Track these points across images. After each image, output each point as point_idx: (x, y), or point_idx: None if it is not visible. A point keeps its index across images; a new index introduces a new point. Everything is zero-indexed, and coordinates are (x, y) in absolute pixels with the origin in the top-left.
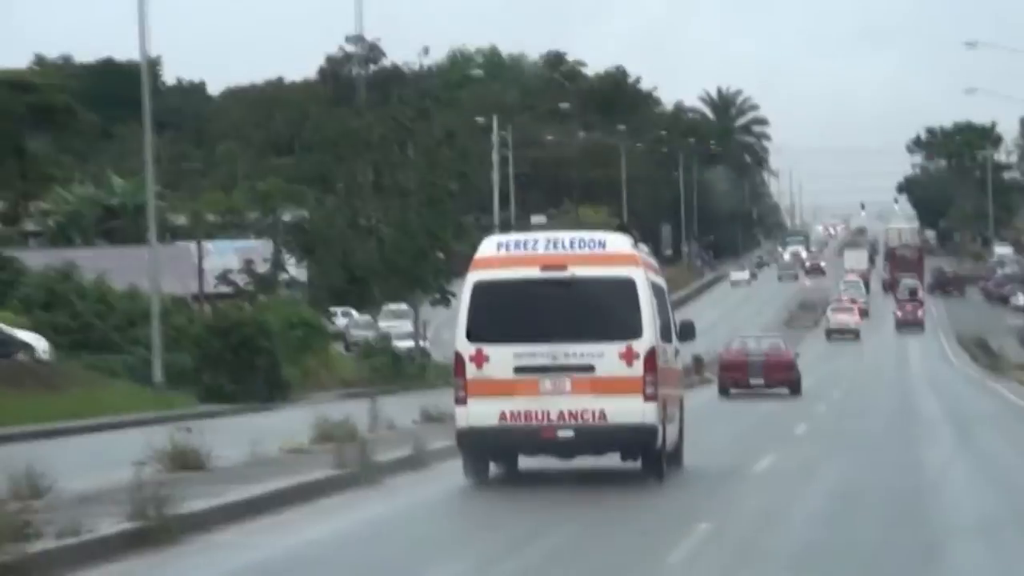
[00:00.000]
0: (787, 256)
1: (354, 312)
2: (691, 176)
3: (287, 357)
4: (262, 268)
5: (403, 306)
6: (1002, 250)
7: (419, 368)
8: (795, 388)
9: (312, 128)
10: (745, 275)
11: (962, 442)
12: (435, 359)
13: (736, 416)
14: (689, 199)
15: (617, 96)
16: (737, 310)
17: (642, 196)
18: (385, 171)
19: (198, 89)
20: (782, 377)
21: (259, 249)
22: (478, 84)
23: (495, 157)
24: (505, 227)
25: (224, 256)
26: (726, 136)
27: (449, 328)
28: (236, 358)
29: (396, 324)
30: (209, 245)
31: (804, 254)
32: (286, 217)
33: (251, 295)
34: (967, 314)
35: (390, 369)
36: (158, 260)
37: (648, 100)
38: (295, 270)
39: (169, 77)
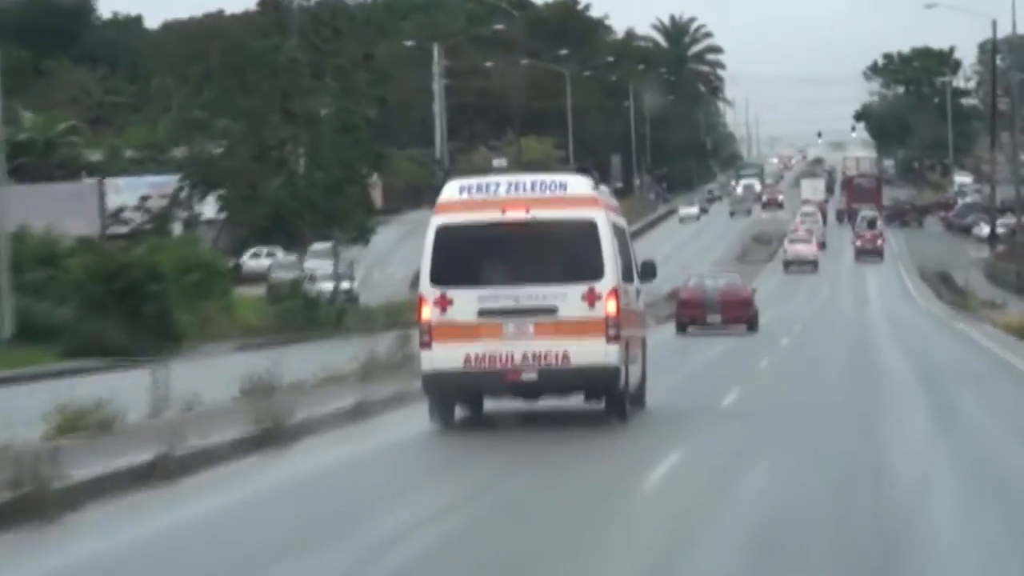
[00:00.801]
0: (740, 190)
1: (279, 252)
2: (642, 105)
3: (182, 304)
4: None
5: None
6: (962, 179)
7: (336, 313)
8: (752, 325)
9: (218, 52)
10: (694, 211)
11: (939, 423)
12: (363, 302)
13: (667, 366)
14: (641, 129)
15: (567, 24)
16: (688, 245)
17: (592, 126)
18: (295, 96)
19: (134, 23)
20: (739, 314)
21: (173, 185)
22: (421, 14)
23: (436, 87)
24: (444, 161)
25: (136, 193)
26: (680, 65)
27: (381, 269)
28: (121, 305)
29: (322, 265)
30: (120, 181)
31: (758, 187)
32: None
33: (145, 235)
34: (928, 246)
35: (301, 315)
36: (6, 197)
37: (599, 28)
38: (210, 207)
39: (105, 11)
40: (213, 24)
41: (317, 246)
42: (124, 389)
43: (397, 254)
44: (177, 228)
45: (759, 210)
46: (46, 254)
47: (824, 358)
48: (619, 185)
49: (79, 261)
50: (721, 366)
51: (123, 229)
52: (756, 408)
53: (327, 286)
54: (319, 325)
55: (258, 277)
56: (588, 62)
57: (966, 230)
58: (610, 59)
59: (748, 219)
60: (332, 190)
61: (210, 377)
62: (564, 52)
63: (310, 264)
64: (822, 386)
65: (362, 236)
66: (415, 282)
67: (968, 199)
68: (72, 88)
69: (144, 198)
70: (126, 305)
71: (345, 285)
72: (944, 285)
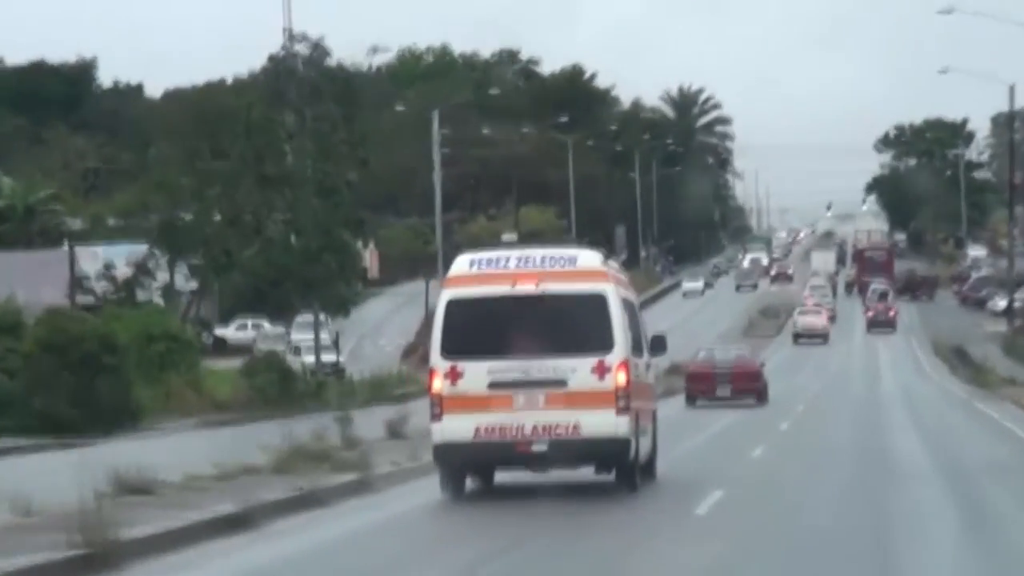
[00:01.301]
0: (746, 263)
1: (265, 323)
2: (649, 176)
3: (145, 377)
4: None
5: (321, 316)
6: (976, 252)
7: (316, 387)
8: (762, 397)
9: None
10: (699, 285)
11: (968, 536)
12: (350, 375)
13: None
14: (647, 200)
15: (572, 94)
16: (693, 318)
17: (597, 196)
18: (270, 158)
19: (135, 91)
20: (749, 387)
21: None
22: (426, 83)
23: (436, 155)
24: (451, 234)
25: (114, 260)
26: (688, 136)
27: (372, 340)
28: (75, 379)
29: (308, 336)
30: (98, 249)
31: (765, 261)
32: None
33: (110, 304)
34: (941, 319)
35: (277, 389)
36: None
37: (605, 98)
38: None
39: (106, 78)
40: (214, 92)
41: (302, 317)
42: (9, 479)
43: (389, 326)
44: (156, 298)
45: (766, 284)
46: (9, 323)
47: (829, 446)
48: (624, 257)
49: (32, 332)
50: (714, 453)
51: (91, 299)
52: (742, 520)
53: (312, 359)
54: (297, 399)
55: (243, 349)
56: (593, 131)
57: (981, 303)
58: (613, 127)
59: (755, 293)
60: (310, 258)
61: (124, 462)
62: (564, 119)
63: (296, 336)
64: (824, 483)
65: (342, 307)
66: (406, 354)
67: (982, 272)
68: (67, 155)
69: (108, 266)
70: (80, 378)
71: (331, 357)
72: (959, 360)
